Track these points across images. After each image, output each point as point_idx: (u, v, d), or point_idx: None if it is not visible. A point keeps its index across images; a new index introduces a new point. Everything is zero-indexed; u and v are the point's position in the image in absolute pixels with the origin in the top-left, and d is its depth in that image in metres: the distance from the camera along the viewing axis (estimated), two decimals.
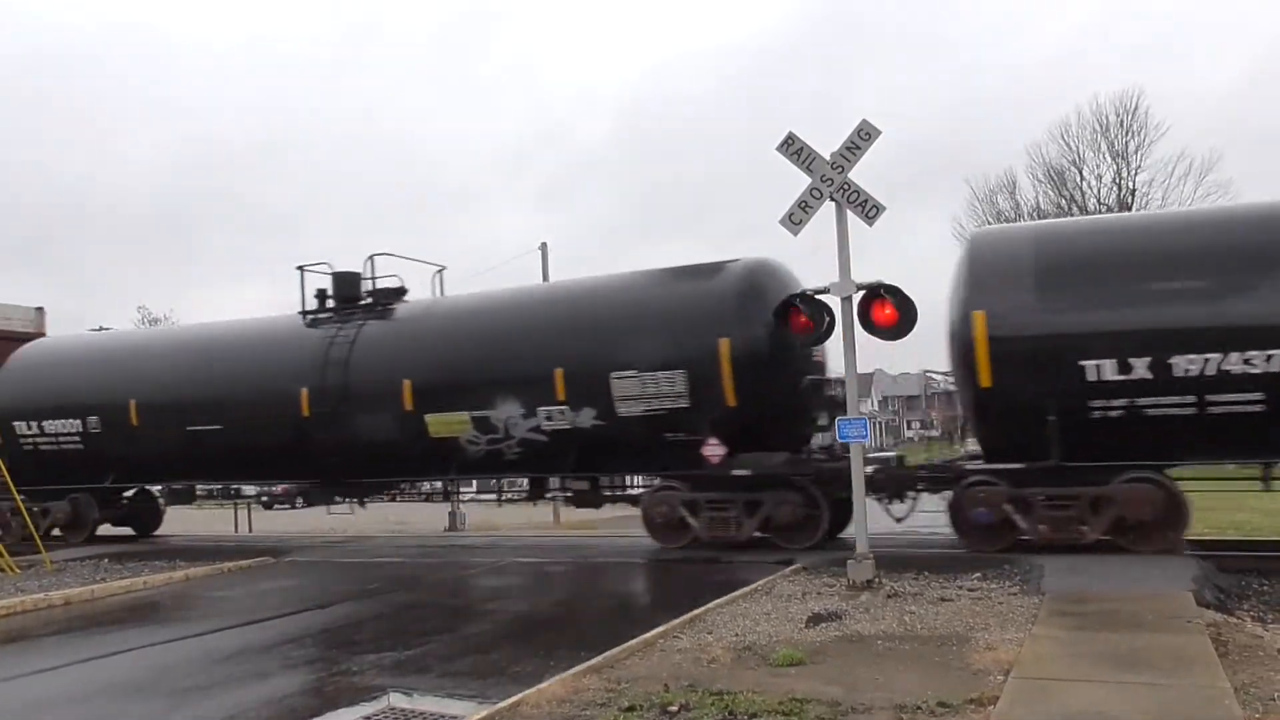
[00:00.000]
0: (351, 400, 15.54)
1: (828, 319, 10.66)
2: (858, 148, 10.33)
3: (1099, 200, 42.81)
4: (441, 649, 8.59)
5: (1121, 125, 41.98)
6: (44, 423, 18.38)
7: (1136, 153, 42.09)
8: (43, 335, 21.42)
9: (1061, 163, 43.43)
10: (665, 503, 13.68)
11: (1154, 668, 6.50)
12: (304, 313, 17.26)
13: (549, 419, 14.26)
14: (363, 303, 16.96)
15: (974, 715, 5.79)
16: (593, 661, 7.26)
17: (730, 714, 5.97)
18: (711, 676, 6.84)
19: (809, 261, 16.31)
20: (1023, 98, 70.41)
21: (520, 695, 6.45)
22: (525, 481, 16.55)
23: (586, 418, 14.01)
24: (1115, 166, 42.58)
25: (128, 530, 20.05)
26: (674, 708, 6.12)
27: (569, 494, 15.27)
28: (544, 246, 35.88)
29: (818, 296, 10.62)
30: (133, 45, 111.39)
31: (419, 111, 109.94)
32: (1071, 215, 43.16)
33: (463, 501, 22.74)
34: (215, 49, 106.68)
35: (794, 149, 10.50)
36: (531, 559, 14.39)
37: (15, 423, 18.62)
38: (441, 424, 14.88)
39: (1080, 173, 43.27)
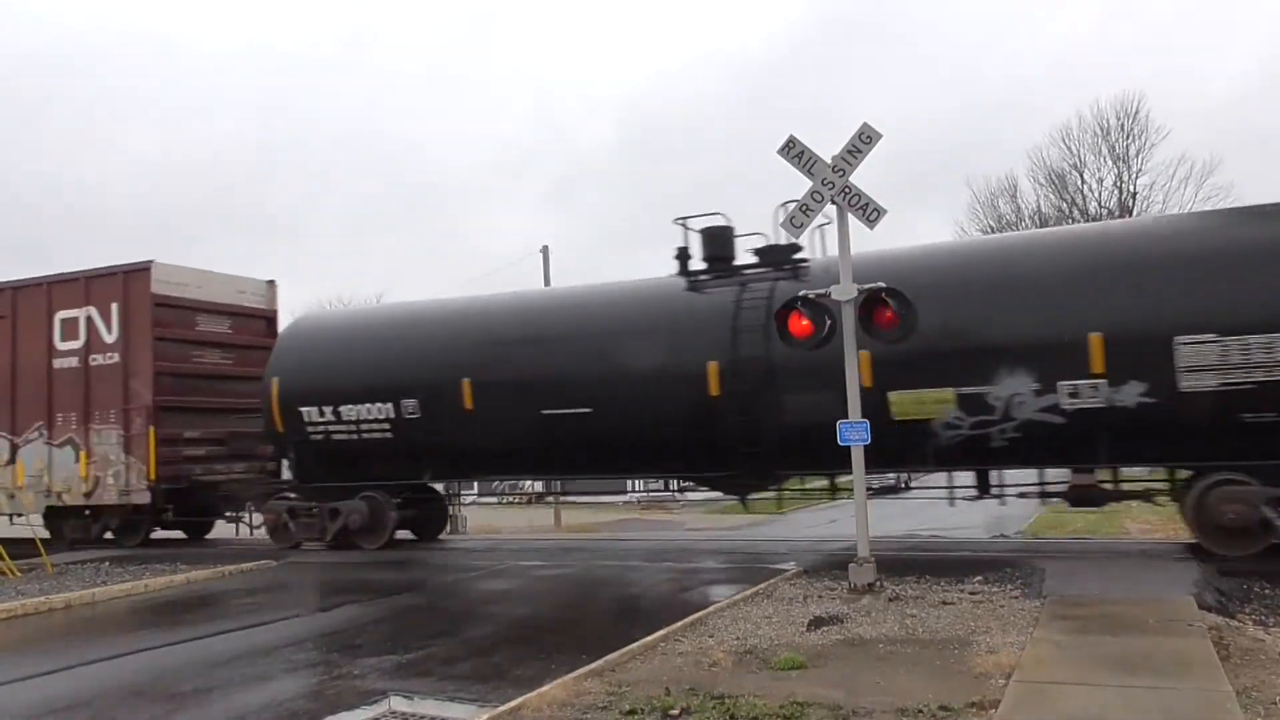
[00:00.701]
0: (776, 376, 12.81)
1: (828, 323, 10.66)
2: (859, 151, 10.34)
3: (1100, 204, 42.90)
4: (442, 652, 8.58)
5: (1122, 129, 42.07)
6: (341, 408, 15.62)
7: (1138, 156, 42.18)
8: (275, 311, 19.60)
9: (1062, 166, 43.56)
10: (1240, 500, 11.06)
11: (1155, 671, 6.49)
12: (687, 274, 14.42)
13: (1073, 396, 11.56)
14: (749, 262, 14.21)
15: (975, 719, 5.78)
16: (594, 665, 7.26)
17: (731, 717, 5.96)
18: (713, 680, 6.83)
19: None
20: (1024, 101, 70.40)
21: (521, 699, 6.45)
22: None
23: (1130, 394, 11.33)
24: (1116, 170, 42.68)
25: (406, 534, 17.44)
26: (675, 711, 6.12)
27: (1063, 489, 12.60)
28: (545, 250, 35.99)
29: (818, 299, 10.61)
30: (132, 47, 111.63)
31: (420, 113, 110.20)
32: (1073, 219, 43.35)
33: (464, 505, 22.70)
34: (214, 51, 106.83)
35: (795, 152, 10.51)
36: (532, 562, 14.38)
37: (303, 409, 15.92)
38: (911, 403, 12.24)
39: (1081, 176, 43.38)
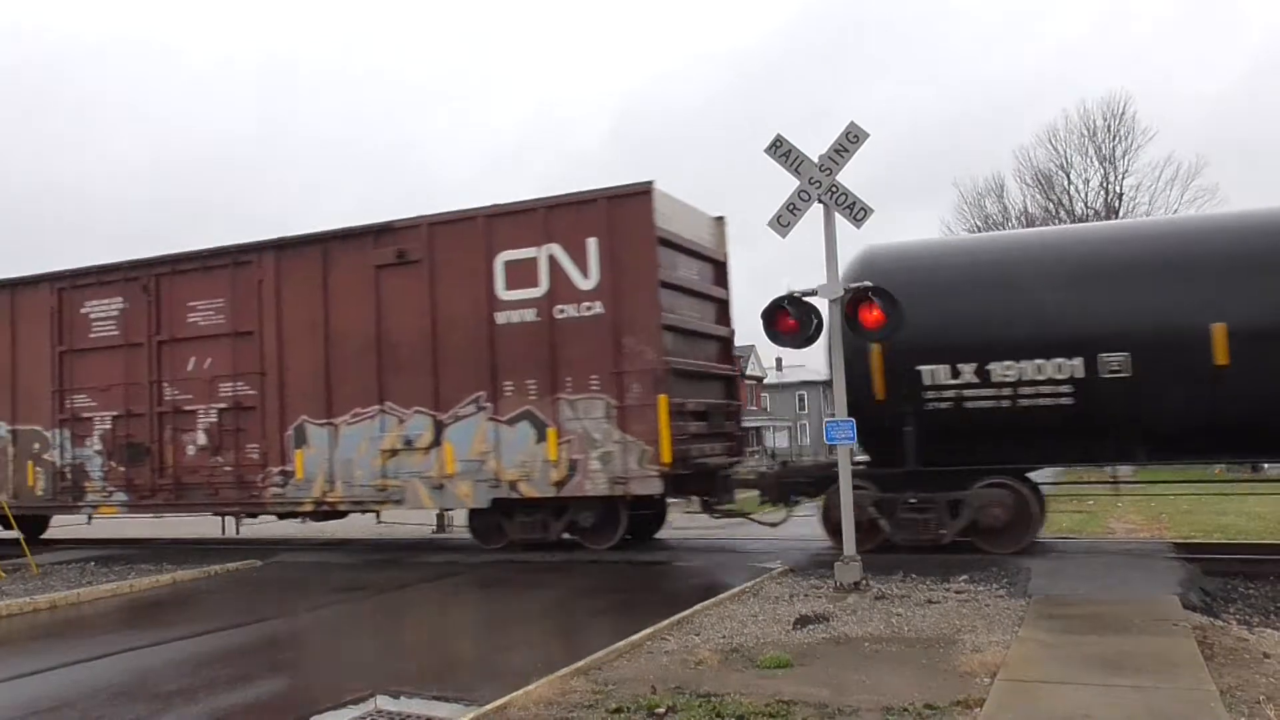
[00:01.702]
0: None
1: (815, 321, 10.67)
2: (845, 150, 10.36)
3: (1086, 205, 43.16)
4: (428, 650, 8.56)
5: (1109, 130, 42.41)
6: (990, 366, 11.97)
7: (1124, 157, 42.51)
8: (726, 256, 15.73)
9: (1049, 167, 43.90)
10: None
11: (1140, 670, 6.52)
12: None
13: None
14: None
15: (961, 717, 5.80)
16: (580, 663, 7.24)
17: (717, 716, 5.96)
18: (699, 678, 6.83)
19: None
20: (1011, 102, 70.94)
21: (507, 697, 6.43)
22: None
23: None
24: (1102, 171, 43.01)
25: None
26: (661, 710, 6.11)
27: None
28: None
29: (804, 298, 10.62)
30: (130, 51, 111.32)
31: (416, 112, 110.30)
32: (1059, 219, 43.64)
33: None
34: (212, 52, 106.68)
35: (782, 151, 10.52)
36: (519, 559, 14.35)
37: (925, 368, 12.28)
38: None
39: (1068, 177, 43.72)
